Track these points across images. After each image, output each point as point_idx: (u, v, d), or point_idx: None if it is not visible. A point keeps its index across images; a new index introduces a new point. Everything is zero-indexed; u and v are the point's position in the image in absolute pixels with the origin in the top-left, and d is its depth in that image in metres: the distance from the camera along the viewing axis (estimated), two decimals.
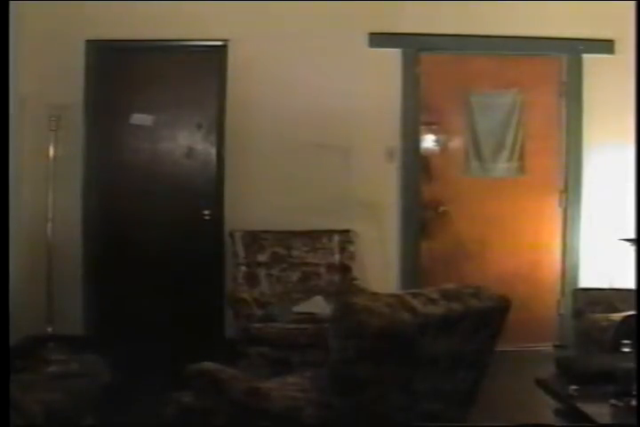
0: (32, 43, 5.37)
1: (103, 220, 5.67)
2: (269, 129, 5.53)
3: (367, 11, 5.46)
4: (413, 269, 5.61)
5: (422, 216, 5.68)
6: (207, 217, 5.64)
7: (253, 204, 5.48)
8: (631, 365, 2.96)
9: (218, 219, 5.53)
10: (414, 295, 2.86)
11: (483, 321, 2.94)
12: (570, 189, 5.69)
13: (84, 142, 5.51)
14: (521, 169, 5.71)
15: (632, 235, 5.07)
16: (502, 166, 5.70)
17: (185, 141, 5.82)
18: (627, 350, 3.10)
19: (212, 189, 5.61)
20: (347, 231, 5.40)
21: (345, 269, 5.30)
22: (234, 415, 2.98)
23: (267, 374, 3.78)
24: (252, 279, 5.15)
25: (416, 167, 5.65)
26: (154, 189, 5.78)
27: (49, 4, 5.39)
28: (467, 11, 5.49)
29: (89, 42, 5.47)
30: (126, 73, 5.85)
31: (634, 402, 2.88)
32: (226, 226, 5.45)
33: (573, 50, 5.65)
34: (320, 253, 5.32)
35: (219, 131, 5.57)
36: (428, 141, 5.76)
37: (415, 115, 5.63)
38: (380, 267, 5.56)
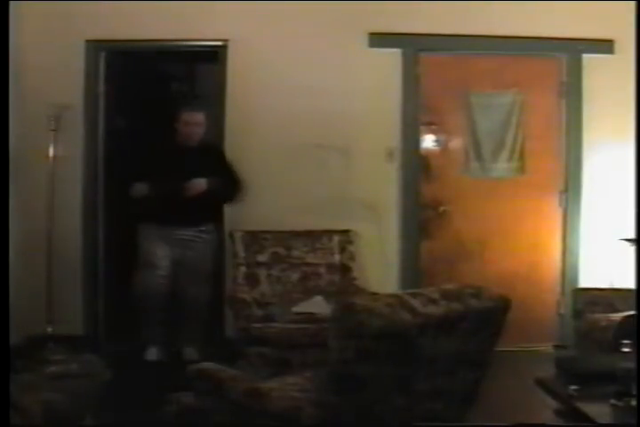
0: (32, 42, 5.37)
1: (103, 220, 5.67)
2: (269, 129, 5.53)
3: (367, 11, 5.46)
4: (413, 269, 5.61)
5: (422, 216, 5.68)
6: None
7: (253, 204, 5.48)
8: (631, 365, 2.95)
9: (218, 219, 5.52)
10: (414, 295, 2.86)
11: (483, 321, 2.94)
12: (570, 189, 5.69)
13: (84, 142, 5.52)
14: (521, 169, 5.70)
15: (632, 235, 5.07)
16: (502, 166, 5.70)
17: None
18: (627, 350, 3.09)
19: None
20: (347, 231, 5.40)
21: (345, 269, 5.30)
22: (234, 415, 2.98)
23: (267, 374, 3.77)
24: (252, 279, 5.15)
25: (416, 167, 5.65)
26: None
27: (49, 4, 5.39)
28: (467, 11, 5.49)
29: (89, 42, 5.47)
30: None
31: (634, 402, 2.88)
32: (226, 226, 5.44)
33: (573, 50, 5.64)
34: (320, 253, 5.31)
35: (218, 131, 5.56)
36: (428, 141, 5.75)
37: (415, 115, 5.63)
38: (380, 267, 5.56)
